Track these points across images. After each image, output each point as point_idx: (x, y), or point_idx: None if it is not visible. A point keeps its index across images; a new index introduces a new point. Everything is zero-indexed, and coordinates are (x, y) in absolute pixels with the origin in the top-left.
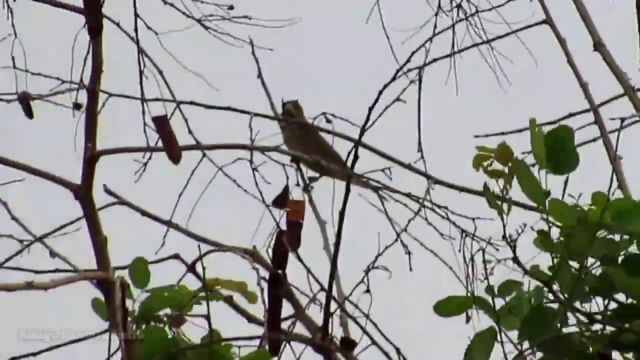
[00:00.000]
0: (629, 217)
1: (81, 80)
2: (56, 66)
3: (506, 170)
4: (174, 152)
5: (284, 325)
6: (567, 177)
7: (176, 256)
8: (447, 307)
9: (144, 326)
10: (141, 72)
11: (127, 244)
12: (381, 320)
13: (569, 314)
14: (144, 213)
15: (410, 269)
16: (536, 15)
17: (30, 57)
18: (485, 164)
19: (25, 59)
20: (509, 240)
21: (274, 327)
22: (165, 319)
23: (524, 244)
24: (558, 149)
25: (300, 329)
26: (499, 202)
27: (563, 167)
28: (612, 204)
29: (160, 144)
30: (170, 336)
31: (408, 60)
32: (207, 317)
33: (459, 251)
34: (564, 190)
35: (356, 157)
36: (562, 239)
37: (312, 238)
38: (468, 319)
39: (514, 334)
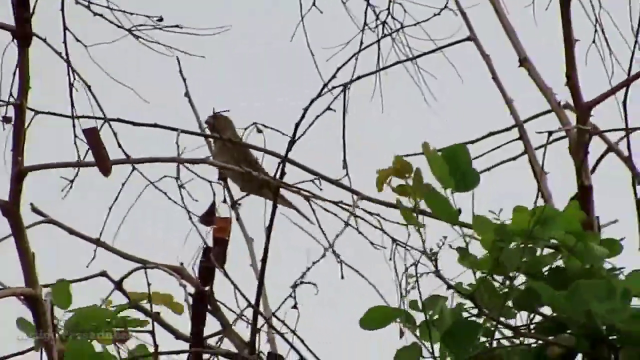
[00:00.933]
0: (553, 224)
1: (10, 94)
2: None
3: (409, 183)
4: (104, 164)
5: (212, 341)
6: (473, 193)
7: (103, 274)
8: (372, 319)
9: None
10: (71, 86)
11: (54, 261)
12: (309, 336)
13: (495, 328)
14: (72, 231)
15: (342, 277)
16: (461, 31)
17: None
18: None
19: None
20: (430, 253)
21: (198, 343)
22: (92, 334)
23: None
24: (456, 168)
25: (227, 345)
26: (414, 215)
27: (466, 184)
28: (536, 212)
29: (88, 158)
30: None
31: (333, 77)
32: (152, 332)
33: (390, 259)
34: (472, 206)
35: (283, 173)
36: (486, 253)
37: (240, 255)
38: (401, 334)
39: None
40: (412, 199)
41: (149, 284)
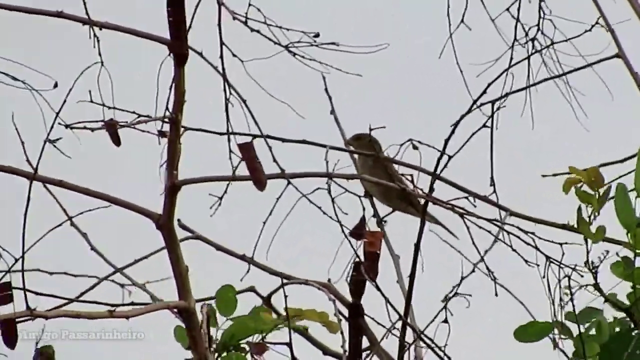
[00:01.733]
0: None
1: (166, 108)
2: (141, 95)
3: (596, 196)
4: (260, 178)
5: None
6: None
7: (252, 289)
8: (527, 333)
9: (224, 354)
10: (227, 101)
11: (201, 278)
12: (458, 353)
13: None
14: (219, 247)
15: (496, 294)
16: (609, 48)
17: (115, 85)
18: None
19: (112, 87)
20: (591, 267)
21: (354, 357)
22: (246, 348)
23: (604, 271)
24: None
25: None
26: (589, 229)
27: None
28: None
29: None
30: None
31: (483, 92)
32: (289, 344)
33: (543, 277)
34: None
35: (432, 189)
36: None
37: (386, 272)
38: (555, 344)
39: None
40: (592, 212)
41: (286, 300)
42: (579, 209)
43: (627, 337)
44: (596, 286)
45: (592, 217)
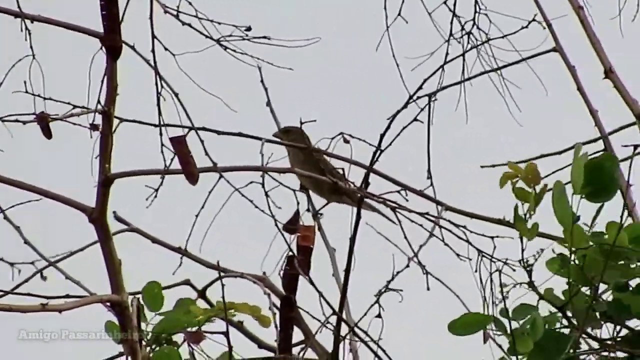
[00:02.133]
0: None
1: (98, 102)
2: (72, 88)
3: (532, 192)
4: (192, 172)
5: (294, 350)
6: (602, 205)
7: (187, 282)
8: (462, 326)
9: (157, 348)
10: (158, 94)
11: (137, 270)
12: (392, 346)
13: (581, 340)
14: (154, 240)
15: (428, 288)
16: (546, 42)
17: (46, 78)
18: (512, 182)
19: (44, 80)
20: (525, 264)
21: (285, 350)
22: (178, 342)
23: (537, 266)
24: (597, 177)
25: (310, 354)
26: (526, 227)
27: (600, 194)
28: (629, 229)
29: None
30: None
31: (420, 88)
32: (226, 334)
33: (475, 271)
34: (594, 218)
35: (367, 183)
36: (576, 262)
37: (321, 265)
38: (486, 338)
39: None
40: (529, 209)
41: (223, 293)
42: (516, 206)
43: (561, 336)
44: (531, 284)
45: (527, 215)
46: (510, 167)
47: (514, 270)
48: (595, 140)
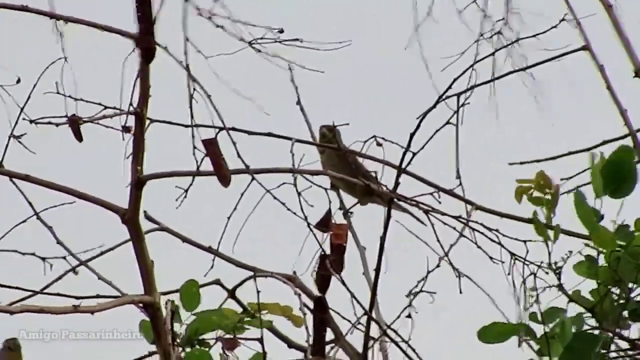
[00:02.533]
0: None
1: (130, 103)
2: (102, 90)
3: (547, 197)
4: (224, 174)
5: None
6: (622, 202)
7: (217, 282)
8: (490, 334)
9: (188, 349)
10: (191, 96)
11: (165, 270)
12: (422, 347)
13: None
14: (185, 239)
15: (460, 292)
16: (576, 41)
17: (79, 80)
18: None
19: (75, 82)
20: (554, 267)
21: (318, 351)
22: (210, 343)
23: (566, 269)
24: (616, 171)
25: (340, 355)
26: (546, 230)
27: (621, 189)
28: None
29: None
30: None
31: (449, 88)
32: (260, 340)
33: (508, 274)
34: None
35: (398, 184)
36: (605, 264)
37: (351, 264)
38: (520, 342)
39: None
40: (548, 213)
41: (258, 294)
42: (534, 213)
43: (590, 337)
44: (560, 287)
45: (549, 217)
46: (519, 182)
47: (547, 273)
48: (623, 137)
